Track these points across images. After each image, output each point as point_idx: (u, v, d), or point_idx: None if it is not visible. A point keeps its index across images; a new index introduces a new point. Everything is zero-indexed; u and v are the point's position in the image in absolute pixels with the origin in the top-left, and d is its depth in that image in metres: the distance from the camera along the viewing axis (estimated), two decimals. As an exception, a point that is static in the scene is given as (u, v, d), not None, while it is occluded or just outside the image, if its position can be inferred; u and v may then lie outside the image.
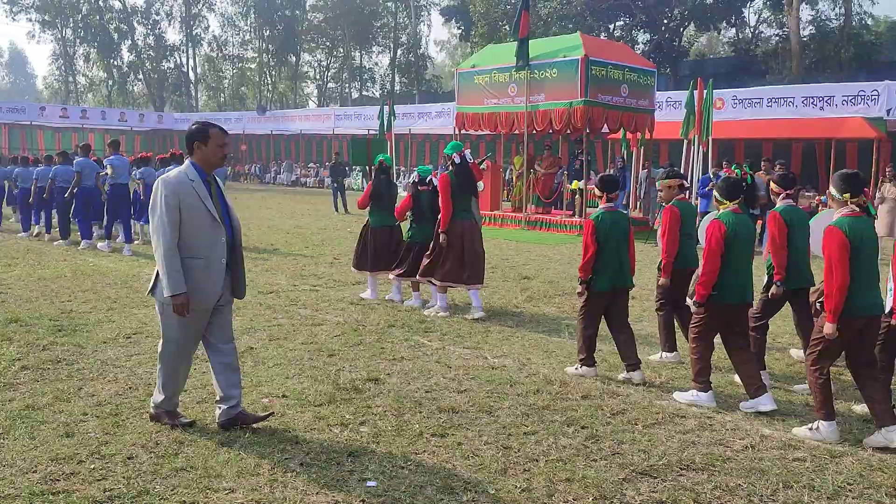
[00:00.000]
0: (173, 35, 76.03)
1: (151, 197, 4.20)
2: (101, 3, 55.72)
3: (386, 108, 21.06)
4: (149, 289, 4.36)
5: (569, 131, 17.86)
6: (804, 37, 32.91)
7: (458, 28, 50.83)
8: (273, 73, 59.93)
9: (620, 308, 5.82)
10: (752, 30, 37.94)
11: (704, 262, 5.04)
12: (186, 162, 4.31)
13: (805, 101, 23.02)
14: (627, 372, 5.63)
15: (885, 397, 4.45)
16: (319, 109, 42.83)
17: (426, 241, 8.03)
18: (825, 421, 4.46)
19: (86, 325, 6.92)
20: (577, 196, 17.42)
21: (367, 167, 10.22)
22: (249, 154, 43.36)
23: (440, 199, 7.76)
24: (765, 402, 4.93)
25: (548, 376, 5.68)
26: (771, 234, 5.55)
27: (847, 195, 4.50)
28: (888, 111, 21.39)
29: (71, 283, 9.19)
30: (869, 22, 33.66)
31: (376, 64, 61.13)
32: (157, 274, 4.21)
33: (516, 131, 18.20)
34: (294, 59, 59.21)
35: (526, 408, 4.91)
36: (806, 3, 33.54)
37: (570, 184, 17.61)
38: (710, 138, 15.29)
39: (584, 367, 5.70)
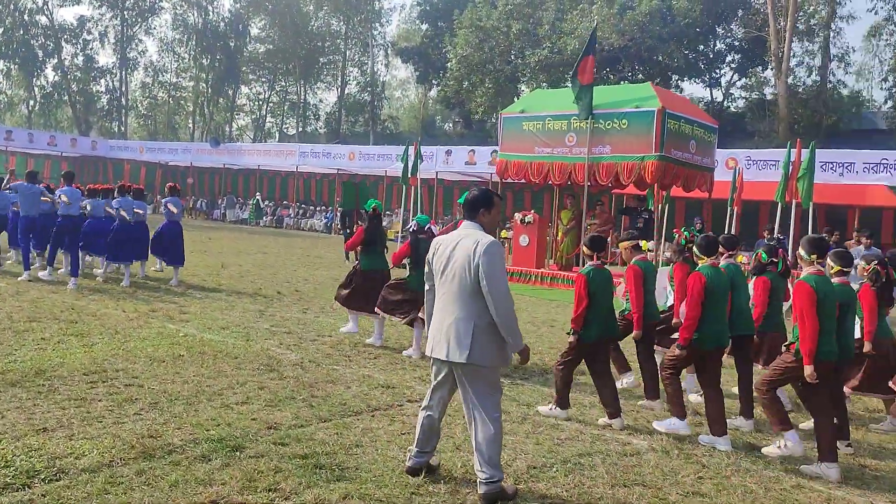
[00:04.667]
0: (105, 57, 71.60)
1: (494, 260, 4.19)
2: (25, 17, 51.42)
3: (412, 150, 19.21)
4: (465, 356, 4.21)
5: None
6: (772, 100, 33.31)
7: (416, 70, 49.62)
8: (210, 103, 56.74)
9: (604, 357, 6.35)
10: (723, 90, 38.24)
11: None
12: (478, 225, 4.38)
13: (823, 167, 22.70)
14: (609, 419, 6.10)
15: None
16: (282, 145, 40.33)
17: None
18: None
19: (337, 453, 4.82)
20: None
21: (355, 211, 10.48)
22: (197, 188, 40.24)
23: None
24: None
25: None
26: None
27: (814, 256, 5.39)
28: (912, 180, 21.28)
29: (201, 367, 6.90)
30: (842, 91, 34.39)
31: (321, 101, 59.15)
32: (475, 338, 4.20)
33: (561, 182, 16.76)
34: (232, 90, 56.36)
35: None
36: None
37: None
38: (811, 203, 14.24)
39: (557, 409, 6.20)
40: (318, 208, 35.89)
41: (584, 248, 6.41)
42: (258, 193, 36.76)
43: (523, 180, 17.99)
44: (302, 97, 55.34)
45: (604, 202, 17.87)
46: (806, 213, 14.64)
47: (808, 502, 4.69)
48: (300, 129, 54.40)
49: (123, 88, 55.97)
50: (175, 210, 13.34)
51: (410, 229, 8.45)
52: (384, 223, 22.33)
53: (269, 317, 10.12)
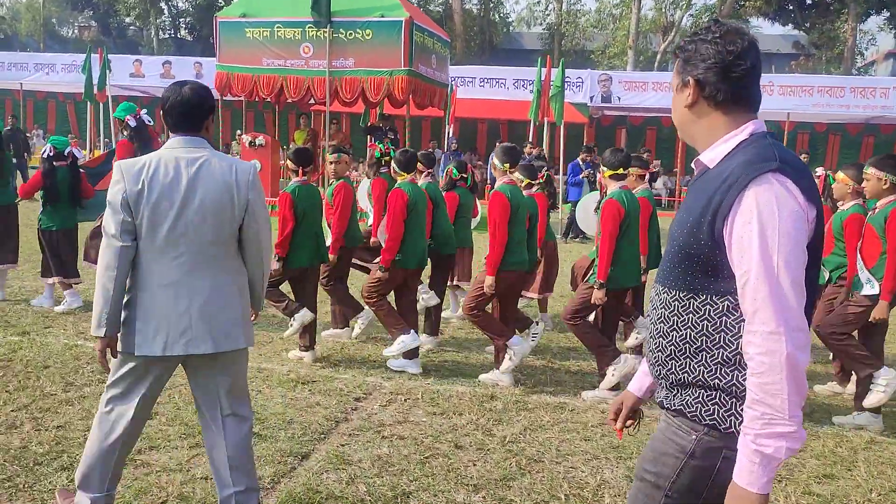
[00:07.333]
0: None
1: (263, 197, 2.96)
2: None
3: (95, 57, 15.41)
4: (245, 339, 2.95)
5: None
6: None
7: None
8: None
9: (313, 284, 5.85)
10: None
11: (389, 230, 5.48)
12: (206, 142, 2.92)
13: (516, 84, 23.73)
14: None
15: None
16: None
17: (63, 227, 6.89)
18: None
19: None
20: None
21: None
22: None
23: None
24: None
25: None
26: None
27: (507, 166, 5.30)
28: (591, 98, 23.27)
29: (6, 392, 4.39)
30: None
31: None
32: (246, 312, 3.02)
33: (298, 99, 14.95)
34: None
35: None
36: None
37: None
38: (562, 121, 14.49)
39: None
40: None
41: (289, 163, 5.75)
42: None
43: (250, 97, 15.64)
44: None
45: (337, 123, 16.34)
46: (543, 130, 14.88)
47: None
48: None
49: None
50: None
51: (45, 154, 6.87)
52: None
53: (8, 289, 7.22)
